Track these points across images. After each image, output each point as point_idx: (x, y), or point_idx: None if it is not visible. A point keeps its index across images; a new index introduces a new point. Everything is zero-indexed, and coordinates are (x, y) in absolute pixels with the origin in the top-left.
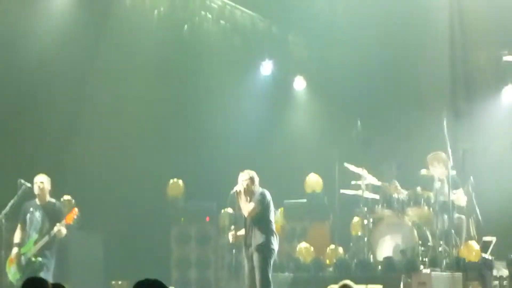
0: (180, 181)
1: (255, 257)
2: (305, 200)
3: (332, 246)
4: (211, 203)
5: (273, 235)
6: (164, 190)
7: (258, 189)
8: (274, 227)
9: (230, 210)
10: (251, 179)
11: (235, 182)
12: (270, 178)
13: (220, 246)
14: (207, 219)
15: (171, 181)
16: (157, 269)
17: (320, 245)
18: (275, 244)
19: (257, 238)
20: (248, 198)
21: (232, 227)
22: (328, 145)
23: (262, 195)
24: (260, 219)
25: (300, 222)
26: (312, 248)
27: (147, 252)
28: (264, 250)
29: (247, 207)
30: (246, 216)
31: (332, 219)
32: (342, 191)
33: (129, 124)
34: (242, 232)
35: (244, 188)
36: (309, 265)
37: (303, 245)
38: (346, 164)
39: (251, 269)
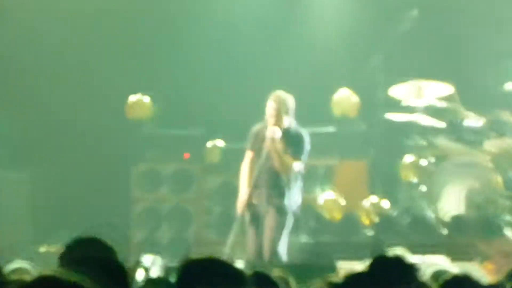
0: (147, 98)
1: (274, 216)
2: (332, 129)
3: (373, 198)
4: (193, 131)
5: (298, 188)
6: (123, 111)
7: (294, 126)
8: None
9: (220, 142)
10: (287, 110)
11: (229, 103)
12: None
13: (204, 195)
14: (186, 156)
15: (134, 98)
16: (110, 227)
17: (354, 196)
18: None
19: (283, 191)
20: (283, 143)
21: (245, 189)
22: (367, 48)
23: (305, 143)
24: (291, 166)
25: (325, 161)
26: (342, 200)
27: (97, 202)
28: (291, 208)
29: (284, 163)
30: (281, 171)
31: (372, 157)
32: (388, 115)
33: (78, 16)
34: (257, 194)
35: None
36: (338, 226)
37: (328, 195)
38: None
39: (257, 229)
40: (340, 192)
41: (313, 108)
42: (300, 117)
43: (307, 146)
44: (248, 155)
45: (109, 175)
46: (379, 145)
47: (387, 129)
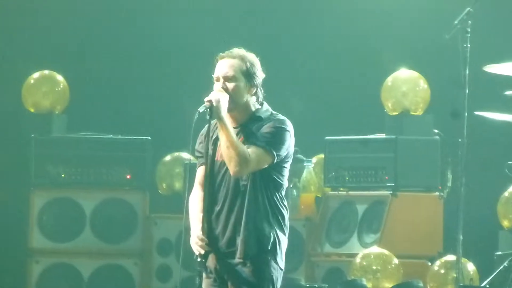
0: (59, 78)
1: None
2: (382, 135)
3: (449, 257)
4: (138, 138)
5: (283, 232)
6: (18, 96)
7: (264, 105)
8: (286, 209)
9: (185, 155)
10: (247, 73)
11: (197, 89)
12: (282, 80)
13: (156, 244)
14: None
15: (36, 75)
16: None
17: (417, 252)
18: (281, 254)
19: (246, 238)
20: (241, 129)
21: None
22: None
23: (280, 126)
24: (260, 188)
25: (366, 194)
26: (395, 260)
27: None
28: (261, 272)
29: (235, 154)
30: (232, 174)
31: (451, 188)
32: (481, 114)
33: None
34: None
35: (232, 100)
36: None
37: (372, 250)
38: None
39: None
40: (393, 246)
41: (346, 102)
42: (323, 119)
43: (285, 135)
44: (200, 172)
45: None
46: (464, 166)
47: (479, 138)
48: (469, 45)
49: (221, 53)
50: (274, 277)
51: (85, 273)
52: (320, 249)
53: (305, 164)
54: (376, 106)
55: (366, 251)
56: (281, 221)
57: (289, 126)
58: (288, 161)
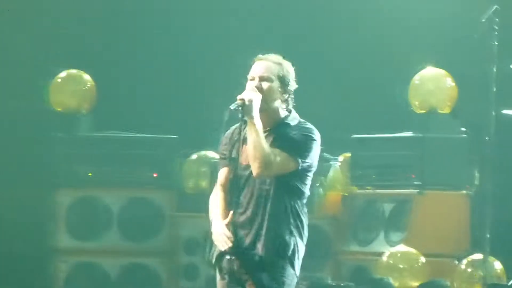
0: (86, 77)
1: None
2: (409, 133)
3: (476, 256)
4: (164, 137)
5: (301, 239)
6: (44, 97)
7: (293, 112)
8: (306, 217)
9: (211, 153)
10: (282, 79)
11: (226, 90)
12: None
13: (183, 243)
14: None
15: (63, 74)
16: None
17: (443, 250)
18: (298, 261)
19: (266, 242)
20: (269, 133)
21: (228, 218)
22: None
23: (308, 134)
24: (283, 194)
25: (393, 192)
26: (421, 258)
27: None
28: (278, 277)
29: (260, 154)
30: (255, 175)
31: (479, 186)
32: (505, 112)
33: None
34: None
35: (266, 102)
36: None
37: (400, 249)
38: None
39: None
40: (420, 244)
41: (374, 98)
42: (349, 116)
43: (312, 143)
44: (222, 173)
45: (18, 206)
46: (492, 164)
47: (506, 136)
48: (496, 43)
49: (259, 55)
50: (290, 282)
51: (112, 272)
52: (347, 247)
53: (331, 162)
54: (403, 104)
55: (393, 250)
56: (301, 228)
57: (317, 135)
58: (312, 170)
